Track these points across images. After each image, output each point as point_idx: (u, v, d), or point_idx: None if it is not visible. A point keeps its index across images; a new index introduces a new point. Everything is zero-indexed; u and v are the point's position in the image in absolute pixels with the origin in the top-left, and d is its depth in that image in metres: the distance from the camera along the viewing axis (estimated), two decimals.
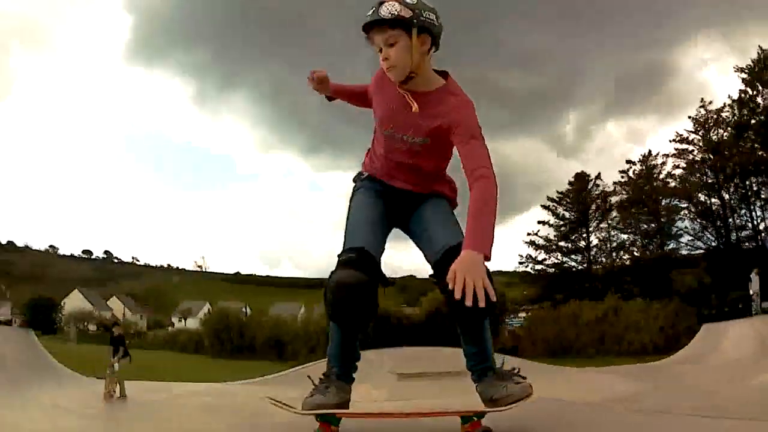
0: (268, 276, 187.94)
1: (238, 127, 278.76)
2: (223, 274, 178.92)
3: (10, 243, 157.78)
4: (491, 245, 3.03)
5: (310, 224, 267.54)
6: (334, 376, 3.65)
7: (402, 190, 3.70)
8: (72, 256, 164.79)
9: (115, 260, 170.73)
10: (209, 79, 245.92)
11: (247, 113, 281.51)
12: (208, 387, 20.19)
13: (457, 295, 2.80)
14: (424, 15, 3.24)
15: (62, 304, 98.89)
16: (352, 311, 3.34)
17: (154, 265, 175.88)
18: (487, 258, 2.97)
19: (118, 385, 15.10)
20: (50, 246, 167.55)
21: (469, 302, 2.78)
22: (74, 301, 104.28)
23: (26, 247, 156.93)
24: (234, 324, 57.53)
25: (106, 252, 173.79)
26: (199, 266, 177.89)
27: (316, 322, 53.11)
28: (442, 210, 3.65)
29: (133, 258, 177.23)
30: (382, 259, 3.53)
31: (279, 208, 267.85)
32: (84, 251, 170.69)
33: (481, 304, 2.81)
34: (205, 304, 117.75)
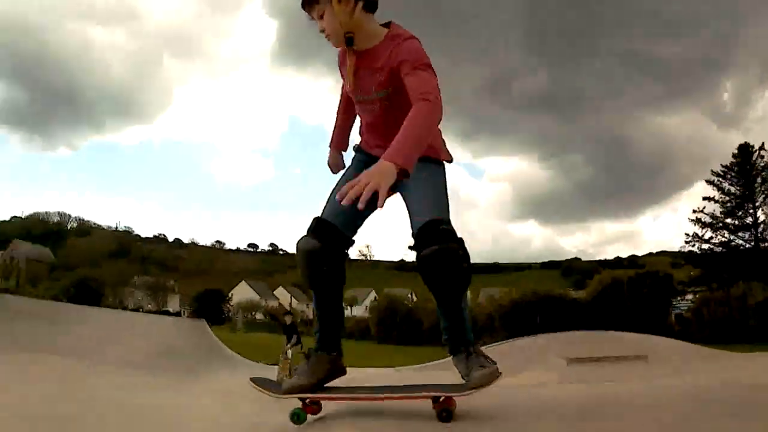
0: None
1: None
2: (388, 262, 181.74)
3: (177, 240, 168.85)
4: (405, 156, 3.03)
5: (471, 210, 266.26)
6: (315, 350, 3.99)
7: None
8: (238, 249, 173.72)
9: (281, 252, 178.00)
10: None
11: None
12: (377, 372, 20.75)
13: (342, 199, 2.89)
14: None
15: (230, 295, 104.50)
16: (311, 274, 3.74)
17: None
18: (401, 169, 2.98)
19: (290, 371, 15.88)
20: (216, 241, 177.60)
21: (345, 200, 2.86)
22: (242, 292, 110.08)
23: (193, 243, 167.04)
24: (400, 310, 58.63)
25: (271, 245, 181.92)
26: (364, 255, 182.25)
27: (481, 307, 53.08)
28: (420, 177, 3.48)
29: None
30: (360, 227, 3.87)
31: None
32: (250, 245, 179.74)
33: (360, 206, 2.84)
34: (371, 291, 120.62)
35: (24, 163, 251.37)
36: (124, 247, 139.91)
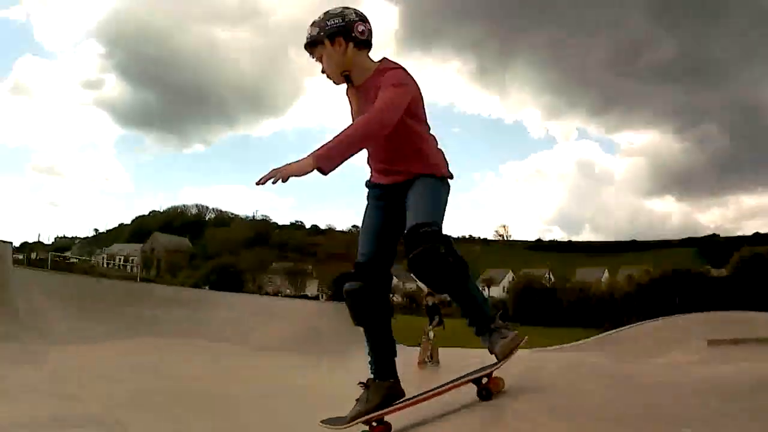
0: (569, 241, 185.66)
1: (523, 96, 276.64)
2: (524, 241, 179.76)
3: (314, 226, 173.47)
4: (324, 153, 3.46)
5: (607, 186, 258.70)
6: (372, 379, 4.28)
7: (388, 185, 4.16)
8: None
9: None
10: (486, 52, 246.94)
11: (530, 81, 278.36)
12: (517, 355, 20.61)
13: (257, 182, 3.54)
14: (330, 23, 3.88)
15: None
16: (356, 313, 4.18)
17: (455, 236, 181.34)
18: (319, 165, 3.44)
19: (431, 351, 16.06)
20: (353, 226, 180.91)
21: (256, 183, 3.53)
22: None
23: (330, 228, 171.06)
24: (538, 291, 58.16)
25: None
26: (500, 235, 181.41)
27: (621, 286, 51.83)
28: (417, 191, 3.96)
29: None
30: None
31: (574, 172, 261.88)
32: None
33: (259, 182, 3.51)
34: (508, 272, 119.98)
35: (160, 161, 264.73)
36: (262, 234, 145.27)
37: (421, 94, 4.06)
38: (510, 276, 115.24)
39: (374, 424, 4.19)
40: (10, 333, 13.14)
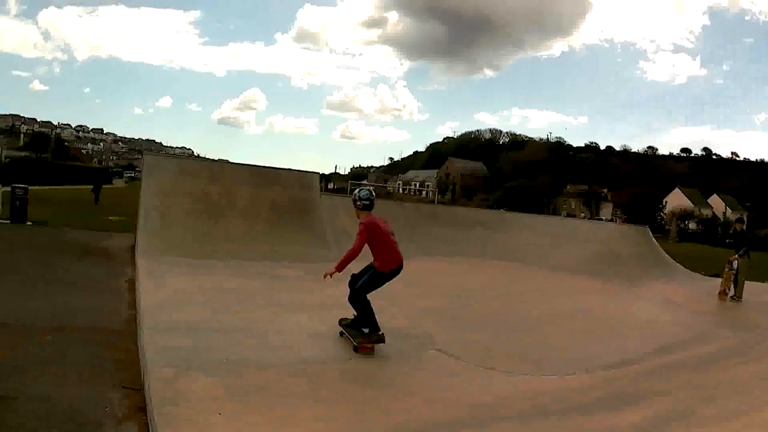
0: None
1: None
2: None
3: (609, 147, 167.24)
4: (339, 266, 7.48)
5: None
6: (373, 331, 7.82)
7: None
8: (671, 155, 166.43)
9: (714, 156, 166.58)
10: None
11: None
12: None
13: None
14: (355, 198, 8.13)
15: (664, 202, 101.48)
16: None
17: (753, 159, 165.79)
18: (337, 270, 7.49)
19: (733, 284, 15.24)
20: (648, 147, 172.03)
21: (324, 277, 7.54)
22: (675, 199, 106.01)
23: (625, 149, 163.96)
24: None
25: (704, 149, 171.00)
26: None
27: None
28: (369, 271, 7.96)
29: (732, 153, 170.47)
30: None
31: None
32: (682, 149, 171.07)
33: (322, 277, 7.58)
34: None
35: (450, 89, 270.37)
36: (556, 157, 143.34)
37: (375, 228, 7.70)
38: None
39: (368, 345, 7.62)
40: (320, 253, 14.84)
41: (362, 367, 6.98)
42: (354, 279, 7.89)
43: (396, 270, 7.84)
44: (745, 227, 16.43)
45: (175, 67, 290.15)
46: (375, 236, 7.63)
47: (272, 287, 11.18)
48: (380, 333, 7.57)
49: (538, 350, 9.04)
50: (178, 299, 9.30)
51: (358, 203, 7.85)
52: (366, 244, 7.56)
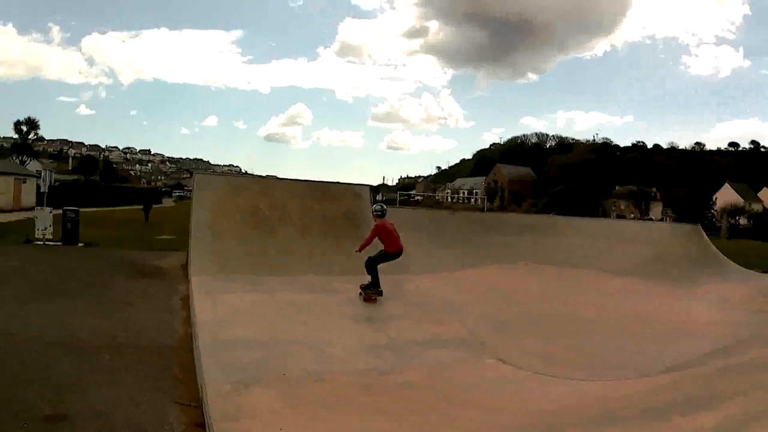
0: None
1: None
2: None
3: (656, 146, 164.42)
4: (359, 248, 11.90)
5: None
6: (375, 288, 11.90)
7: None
8: (719, 150, 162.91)
9: (762, 149, 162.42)
10: None
11: None
12: None
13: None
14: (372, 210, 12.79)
15: (714, 199, 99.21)
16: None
17: None
18: (359, 250, 11.90)
19: None
20: (696, 143, 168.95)
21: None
22: (725, 195, 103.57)
23: (672, 147, 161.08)
24: None
25: (752, 142, 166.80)
26: None
27: None
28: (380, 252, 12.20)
29: None
30: None
31: None
32: (730, 143, 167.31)
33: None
34: None
35: (495, 95, 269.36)
36: (604, 158, 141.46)
37: (383, 229, 11.95)
38: None
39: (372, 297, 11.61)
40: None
41: (420, 376, 7.06)
42: (370, 259, 11.95)
43: (396, 254, 12.15)
44: None
45: (219, 86, 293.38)
46: (382, 234, 11.99)
47: (326, 300, 11.27)
48: (380, 290, 11.82)
49: (598, 355, 9.04)
50: (232, 315, 9.42)
51: (373, 213, 12.50)
52: (378, 238, 11.92)
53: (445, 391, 6.69)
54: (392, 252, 12.02)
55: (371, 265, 11.90)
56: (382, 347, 8.23)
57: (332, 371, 6.96)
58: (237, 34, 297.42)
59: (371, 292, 11.69)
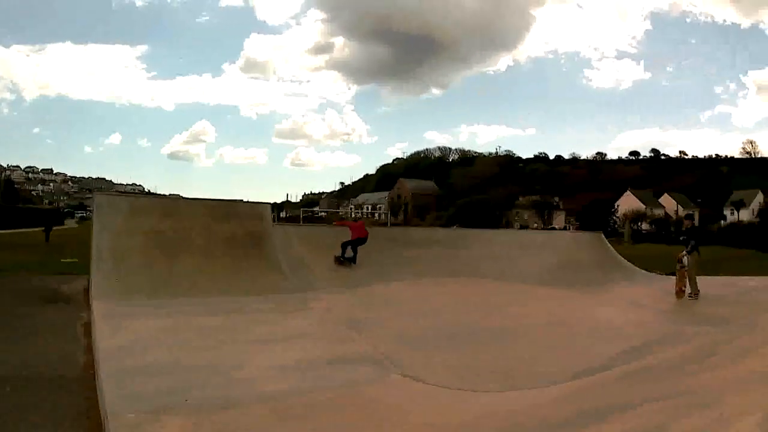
0: None
1: None
2: None
3: (558, 157, 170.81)
4: (338, 223, 21.72)
5: None
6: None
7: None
8: (620, 159, 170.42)
9: (663, 157, 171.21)
10: None
11: None
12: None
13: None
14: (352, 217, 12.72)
15: (616, 206, 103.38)
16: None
17: (701, 156, 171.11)
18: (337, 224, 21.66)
19: (687, 281, 15.49)
20: (597, 153, 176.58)
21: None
22: (627, 202, 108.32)
23: (574, 157, 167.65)
24: None
25: (652, 150, 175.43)
26: (747, 153, 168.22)
27: None
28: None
29: (680, 152, 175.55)
30: None
31: None
32: (631, 153, 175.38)
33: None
34: (758, 193, 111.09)
35: (399, 110, 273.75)
36: (507, 170, 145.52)
37: (351, 224, 19.92)
38: (760, 198, 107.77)
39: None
40: (278, 284, 14.90)
41: (329, 397, 6.89)
42: (344, 243, 18.39)
43: (362, 239, 18.90)
44: (694, 224, 16.75)
45: (124, 102, 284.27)
46: (351, 227, 19.12)
47: (232, 322, 11.09)
48: (341, 259, 18.50)
49: (507, 365, 9.02)
50: (135, 341, 9.15)
51: (351, 218, 16.92)
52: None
53: (355, 412, 6.53)
54: (355, 237, 18.87)
55: (344, 246, 18.73)
56: (290, 369, 8.03)
57: (239, 396, 6.74)
58: (142, 49, 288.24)
59: (342, 261, 18.63)
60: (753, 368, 5.28)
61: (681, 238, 17.72)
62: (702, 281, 15.91)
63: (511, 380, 8.04)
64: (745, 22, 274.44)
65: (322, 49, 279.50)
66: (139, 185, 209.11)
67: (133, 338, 9.31)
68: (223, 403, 6.47)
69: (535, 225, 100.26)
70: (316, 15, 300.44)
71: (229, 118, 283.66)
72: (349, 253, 18.91)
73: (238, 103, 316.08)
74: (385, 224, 58.37)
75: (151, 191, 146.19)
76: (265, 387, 7.16)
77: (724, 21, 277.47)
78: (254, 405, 6.48)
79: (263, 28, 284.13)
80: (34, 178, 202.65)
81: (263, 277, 11.86)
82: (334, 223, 19.06)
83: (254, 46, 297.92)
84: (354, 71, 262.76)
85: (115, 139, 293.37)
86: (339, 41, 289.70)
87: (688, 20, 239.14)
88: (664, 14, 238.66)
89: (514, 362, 9.20)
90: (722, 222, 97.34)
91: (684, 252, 15.71)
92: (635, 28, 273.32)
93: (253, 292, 13.66)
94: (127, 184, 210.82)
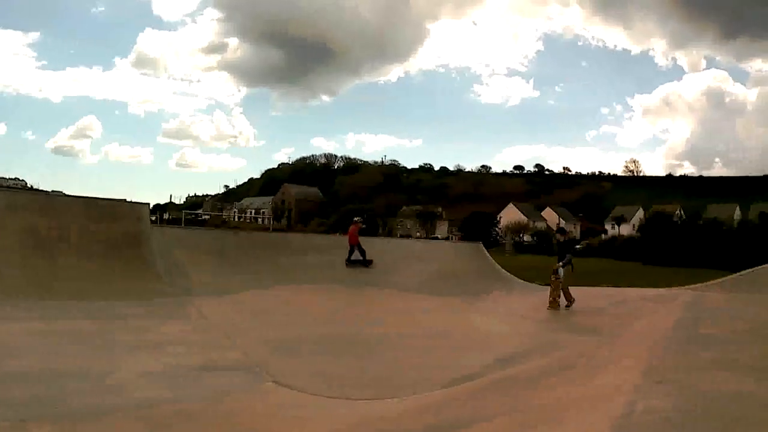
0: (700, 176, 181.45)
1: (648, 26, 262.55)
2: (654, 177, 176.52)
3: (443, 168, 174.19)
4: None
5: (737, 116, 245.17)
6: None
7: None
8: (504, 173, 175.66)
9: (547, 172, 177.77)
10: None
11: (654, 11, 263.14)
12: (651, 292, 20.48)
13: None
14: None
15: (499, 218, 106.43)
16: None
17: (585, 173, 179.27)
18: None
19: (562, 291, 16.12)
20: (482, 166, 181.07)
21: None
22: (510, 215, 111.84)
23: (459, 169, 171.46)
24: (669, 228, 56.67)
25: (536, 165, 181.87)
26: (630, 171, 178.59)
27: (753, 223, 49.70)
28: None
29: (564, 168, 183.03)
30: None
31: (703, 103, 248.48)
32: (515, 167, 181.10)
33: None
34: (638, 209, 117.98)
35: (287, 115, 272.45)
36: (392, 179, 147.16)
37: (349, 231, 22.31)
38: (640, 213, 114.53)
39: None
40: (154, 288, 14.65)
41: (198, 405, 6.75)
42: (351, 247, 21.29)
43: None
44: (566, 238, 17.53)
45: (11, 92, 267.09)
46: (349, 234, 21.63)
47: (106, 327, 10.79)
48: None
49: (382, 373, 9.06)
50: (3, 346, 8.75)
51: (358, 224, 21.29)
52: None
53: (225, 420, 6.39)
54: (351, 244, 21.39)
55: (351, 250, 21.36)
56: (162, 376, 7.81)
57: (109, 404, 6.49)
58: (34, 36, 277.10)
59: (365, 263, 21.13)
60: (606, 382, 5.55)
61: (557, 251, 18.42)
62: (582, 291, 16.60)
63: (385, 389, 8.09)
64: (635, 49, 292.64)
65: (216, 48, 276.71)
66: (22, 180, 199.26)
67: (0, 343, 8.92)
68: (94, 410, 6.24)
69: (418, 234, 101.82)
70: (213, 14, 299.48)
71: (117, 114, 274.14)
72: (356, 256, 21.39)
73: (127, 99, 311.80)
74: (267, 229, 57.70)
75: (33, 187, 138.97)
76: (137, 394, 6.95)
77: (615, 46, 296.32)
78: (124, 413, 6.26)
79: (158, 23, 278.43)
80: None
81: (139, 280, 11.65)
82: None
83: (147, 41, 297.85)
84: (245, 73, 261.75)
85: (0, 129, 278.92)
86: (233, 42, 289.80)
87: (580, 43, 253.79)
88: (556, 36, 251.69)
89: (389, 371, 9.25)
90: (603, 236, 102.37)
91: (558, 264, 16.31)
92: (527, 48, 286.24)
93: (128, 296, 13.44)
94: (9, 179, 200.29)
